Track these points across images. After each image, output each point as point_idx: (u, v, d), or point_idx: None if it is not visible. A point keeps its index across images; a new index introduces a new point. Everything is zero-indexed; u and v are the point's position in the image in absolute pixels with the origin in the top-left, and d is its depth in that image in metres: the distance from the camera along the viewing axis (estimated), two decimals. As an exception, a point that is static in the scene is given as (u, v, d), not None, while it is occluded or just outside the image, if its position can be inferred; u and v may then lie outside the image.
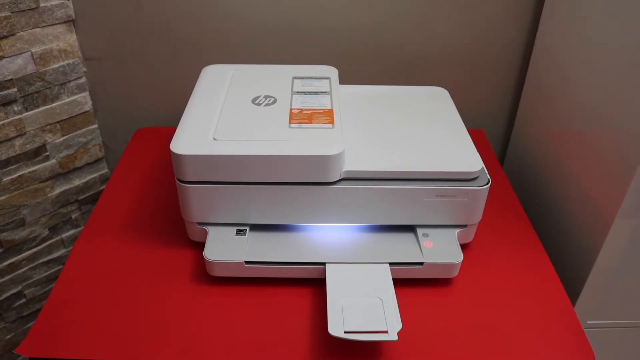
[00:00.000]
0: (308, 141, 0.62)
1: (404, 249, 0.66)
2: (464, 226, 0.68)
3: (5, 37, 0.81)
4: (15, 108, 0.87)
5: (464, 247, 0.71)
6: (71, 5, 0.88)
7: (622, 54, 0.67)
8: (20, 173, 0.91)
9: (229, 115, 0.67)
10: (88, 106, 0.97)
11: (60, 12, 0.86)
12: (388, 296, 0.60)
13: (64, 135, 0.95)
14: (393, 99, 0.78)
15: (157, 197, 0.80)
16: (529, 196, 0.93)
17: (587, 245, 0.74)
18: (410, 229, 0.68)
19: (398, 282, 0.64)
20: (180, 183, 0.63)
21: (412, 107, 0.76)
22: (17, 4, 0.80)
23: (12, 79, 0.84)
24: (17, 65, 0.84)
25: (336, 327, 0.56)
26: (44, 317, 0.62)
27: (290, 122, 0.66)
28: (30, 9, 0.82)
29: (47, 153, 0.94)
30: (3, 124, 0.86)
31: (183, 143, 0.62)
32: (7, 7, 0.80)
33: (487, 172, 0.66)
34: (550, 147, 0.86)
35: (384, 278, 0.62)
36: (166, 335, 0.60)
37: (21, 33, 0.83)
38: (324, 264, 0.64)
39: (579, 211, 0.77)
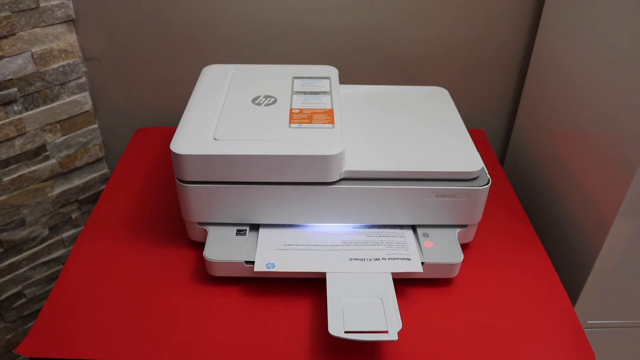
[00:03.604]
0: (308, 141, 0.62)
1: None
2: (464, 226, 0.68)
3: (5, 37, 0.81)
4: (16, 108, 0.87)
5: (464, 247, 0.71)
6: (71, 5, 0.88)
7: (622, 54, 0.67)
8: (20, 173, 0.91)
9: (229, 115, 0.67)
10: (88, 106, 0.97)
11: (60, 12, 0.86)
12: (388, 296, 0.60)
13: (64, 135, 0.95)
14: (393, 99, 0.78)
15: (157, 197, 0.80)
16: (529, 196, 0.93)
17: (587, 245, 0.74)
18: (411, 229, 0.68)
19: (398, 282, 0.64)
20: (180, 183, 0.63)
21: (412, 107, 0.76)
22: (17, 4, 0.80)
23: (12, 79, 0.84)
24: (17, 65, 0.84)
25: (336, 327, 0.56)
26: (44, 317, 0.62)
27: (290, 122, 0.66)
28: (30, 9, 0.82)
29: (47, 153, 0.94)
30: (3, 124, 0.86)
31: (183, 143, 0.62)
32: (7, 7, 0.80)
33: (487, 172, 0.66)
34: (550, 147, 0.86)
35: (384, 278, 0.62)
36: (166, 335, 0.60)
37: (21, 33, 0.83)
38: (324, 264, 0.64)
39: (579, 211, 0.77)
